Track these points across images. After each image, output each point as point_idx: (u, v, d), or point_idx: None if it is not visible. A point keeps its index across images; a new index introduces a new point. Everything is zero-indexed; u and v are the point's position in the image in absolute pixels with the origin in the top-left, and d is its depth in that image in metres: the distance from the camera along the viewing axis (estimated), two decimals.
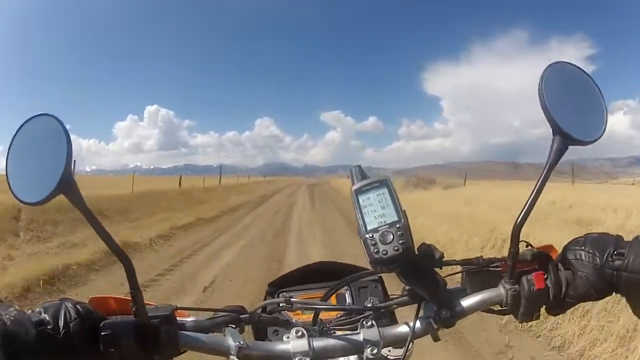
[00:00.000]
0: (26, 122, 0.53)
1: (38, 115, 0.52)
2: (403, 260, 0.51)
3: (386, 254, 0.50)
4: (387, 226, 0.51)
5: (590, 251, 0.55)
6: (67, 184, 0.48)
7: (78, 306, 0.54)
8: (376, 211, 0.53)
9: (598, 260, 0.54)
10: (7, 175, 0.51)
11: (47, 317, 0.51)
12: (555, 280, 0.56)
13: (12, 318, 0.47)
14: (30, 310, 0.52)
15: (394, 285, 0.76)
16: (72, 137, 0.50)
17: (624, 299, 0.56)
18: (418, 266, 0.54)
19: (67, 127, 0.50)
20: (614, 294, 0.55)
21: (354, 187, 0.55)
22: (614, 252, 0.54)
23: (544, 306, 0.58)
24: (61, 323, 0.51)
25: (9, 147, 0.53)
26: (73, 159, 0.48)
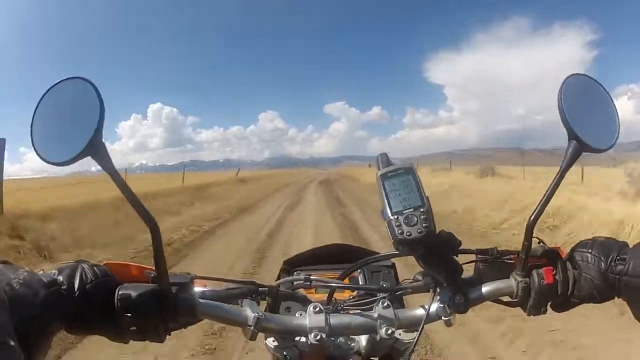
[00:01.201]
0: (57, 83, 0.52)
1: (70, 78, 0.52)
2: (425, 243, 0.54)
3: (410, 235, 0.53)
4: (412, 210, 0.54)
5: (596, 255, 0.57)
6: (96, 147, 0.48)
7: (95, 268, 0.54)
8: (401, 195, 0.55)
9: (603, 264, 0.56)
10: (31, 134, 0.51)
11: (61, 277, 0.51)
12: (563, 278, 0.58)
13: (21, 281, 0.46)
14: (42, 271, 0.52)
15: (403, 273, 0.80)
16: None
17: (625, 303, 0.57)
18: (438, 251, 0.56)
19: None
20: (616, 298, 0.58)
21: (380, 172, 0.57)
22: (617, 257, 0.56)
23: (550, 302, 0.60)
24: (76, 284, 0.51)
25: (36, 107, 0.52)
26: (104, 124, 0.48)
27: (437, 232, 0.56)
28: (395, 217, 0.54)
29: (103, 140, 0.49)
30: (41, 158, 0.50)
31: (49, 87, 0.53)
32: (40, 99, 0.52)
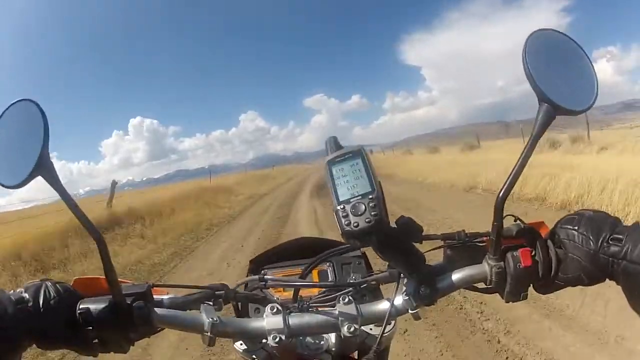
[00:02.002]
0: (7, 109, 0.54)
1: (18, 101, 0.54)
2: (376, 233, 0.49)
3: (357, 226, 0.48)
4: (360, 197, 0.49)
5: (584, 233, 0.51)
6: (44, 165, 0.49)
7: (58, 285, 0.55)
8: (349, 182, 0.51)
9: (592, 244, 0.51)
10: None
11: (27, 295, 0.53)
12: (544, 259, 0.53)
13: None
14: (11, 290, 0.54)
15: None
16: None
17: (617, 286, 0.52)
18: (396, 240, 0.52)
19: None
20: (607, 280, 0.52)
21: (328, 158, 0.54)
22: (609, 236, 0.50)
23: (532, 285, 0.56)
24: (41, 301, 0.53)
25: None
26: (49, 143, 0.49)
27: (396, 219, 0.53)
28: (342, 207, 0.49)
29: (50, 158, 0.50)
30: None
31: (1, 112, 0.54)
32: None
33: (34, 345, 0.53)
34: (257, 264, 0.86)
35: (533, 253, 0.54)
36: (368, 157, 0.52)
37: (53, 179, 0.50)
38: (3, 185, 0.51)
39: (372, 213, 0.48)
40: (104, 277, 0.56)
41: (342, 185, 0.51)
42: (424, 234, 0.55)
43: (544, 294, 0.57)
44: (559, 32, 0.54)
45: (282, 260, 0.85)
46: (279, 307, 0.59)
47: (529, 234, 0.56)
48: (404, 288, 0.58)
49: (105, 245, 0.52)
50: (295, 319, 0.58)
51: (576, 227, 0.52)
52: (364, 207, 0.49)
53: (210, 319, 0.56)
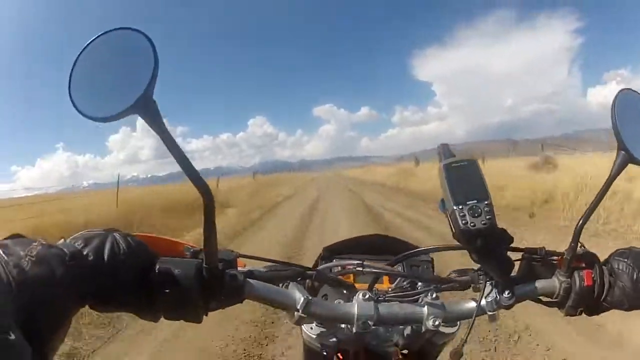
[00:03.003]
0: (103, 33, 0.47)
1: (118, 28, 0.47)
2: (486, 236, 0.54)
3: (474, 226, 0.53)
4: (476, 201, 0.54)
5: (631, 265, 0.60)
6: (146, 104, 0.43)
7: (129, 238, 0.50)
8: (465, 187, 0.55)
9: (636, 274, 0.59)
10: (69, 87, 0.46)
11: (86, 249, 0.46)
12: (600, 282, 0.60)
13: (33, 258, 0.41)
14: (62, 240, 0.47)
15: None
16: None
17: None
18: (494, 246, 0.56)
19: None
20: None
21: (444, 162, 0.57)
22: None
23: (586, 304, 0.61)
24: (106, 255, 0.47)
25: (77, 58, 0.47)
26: (156, 82, 0.43)
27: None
28: (460, 207, 0.54)
29: (154, 99, 0.44)
30: (80, 113, 0.45)
31: (94, 37, 0.47)
32: (83, 49, 0.47)
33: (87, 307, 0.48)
34: (329, 252, 0.85)
35: (593, 275, 0.60)
36: (480, 167, 0.57)
37: (155, 121, 0.44)
38: (86, 116, 0.44)
39: (487, 217, 0.54)
40: (169, 237, 0.57)
41: (458, 189, 0.55)
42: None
43: (590, 315, 0.63)
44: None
45: (353, 253, 0.84)
46: (371, 295, 0.59)
47: (590, 259, 0.62)
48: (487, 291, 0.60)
49: (213, 203, 0.47)
50: (384, 308, 0.59)
51: (626, 259, 0.61)
52: (480, 210, 0.54)
53: (305, 297, 0.56)
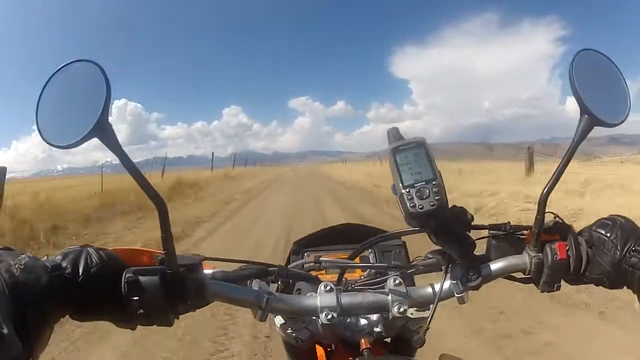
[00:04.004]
0: (63, 67, 0.52)
1: (75, 61, 0.51)
2: (438, 216, 0.53)
3: (422, 208, 0.52)
4: (424, 183, 0.53)
5: (614, 241, 0.55)
6: (103, 128, 0.47)
7: (101, 252, 0.53)
8: (413, 169, 0.54)
9: (618, 253, 0.54)
10: (36, 118, 0.50)
11: (65, 262, 0.50)
12: (576, 255, 0.57)
13: (22, 266, 0.46)
14: (47, 257, 0.51)
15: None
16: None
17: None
18: (450, 226, 0.55)
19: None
20: (624, 288, 0.57)
21: (392, 146, 0.56)
22: (633, 247, 0.54)
23: (564, 278, 0.59)
24: (81, 268, 0.50)
25: (42, 91, 0.51)
26: (110, 106, 0.47)
27: (450, 206, 0.55)
28: (407, 190, 0.53)
29: (110, 122, 0.48)
30: (46, 142, 0.49)
31: (55, 70, 0.52)
32: (46, 83, 0.51)
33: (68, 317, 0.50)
34: (300, 246, 0.88)
35: (567, 248, 0.58)
36: (429, 148, 0.56)
37: (112, 143, 0.48)
38: (52, 145, 0.48)
39: (436, 198, 0.52)
40: (143, 248, 0.58)
41: (406, 172, 0.55)
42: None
43: (573, 284, 0.61)
44: (600, 52, 0.59)
45: (324, 244, 0.88)
46: (332, 286, 0.60)
47: (563, 230, 0.59)
48: (450, 273, 0.60)
49: (166, 212, 0.51)
50: (347, 298, 0.60)
51: (608, 234, 0.56)
52: (428, 191, 0.53)
53: (265, 294, 0.57)
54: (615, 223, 0.57)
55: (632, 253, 0.54)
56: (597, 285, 0.58)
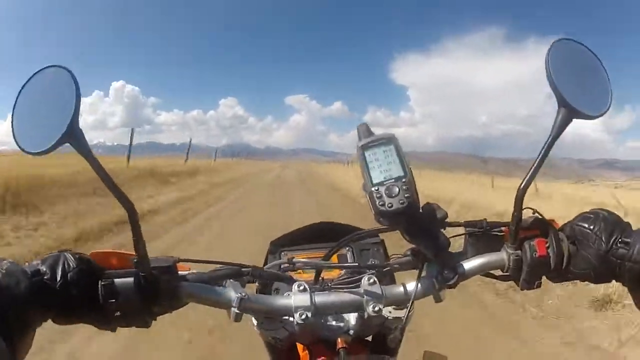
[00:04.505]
0: (35, 73, 0.52)
1: (47, 67, 0.51)
2: (408, 214, 0.51)
3: (392, 206, 0.51)
4: (393, 180, 0.52)
5: (598, 234, 0.54)
6: (73, 133, 0.47)
7: (78, 256, 0.53)
8: (382, 166, 0.53)
9: (603, 245, 0.53)
10: (12, 127, 0.51)
11: (44, 267, 0.50)
12: (557, 251, 0.56)
13: (3, 271, 0.46)
14: (27, 263, 0.51)
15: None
16: None
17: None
18: (422, 224, 0.54)
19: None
20: (613, 281, 0.55)
21: (361, 143, 0.55)
22: (619, 239, 0.53)
23: (545, 275, 0.58)
24: (59, 273, 0.50)
25: (16, 99, 0.52)
26: (80, 111, 0.48)
27: (422, 205, 0.54)
28: (376, 188, 0.52)
29: (80, 126, 0.48)
30: (21, 149, 0.49)
31: (28, 78, 0.52)
32: (20, 91, 0.52)
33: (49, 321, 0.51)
34: (276, 246, 0.87)
35: (547, 244, 0.56)
36: (399, 144, 0.54)
37: (83, 148, 0.48)
38: (27, 152, 0.49)
39: (406, 195, 0.51)
40: (121, 251, 0.58)
41: (375, 169, 0.53)
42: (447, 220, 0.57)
43: (556, 282, 0.59)
44: (578, 42, 0.57)
45: (301, 244, 0.87)
46: (306, 286, 0.59)
47: (544, 226, 0.58)
48: (424, 272, 0.60)
49: (136, 215, 0.51)
50: (321, 298, 0.59)
51: (591, 227, 0.54)
52: (397, 189, 0.51)
53: (239, 295, 0.56)
54: (598, 216, 0.56)
55: (618, 245, 0.52)
56: (582, 280, 0.57)
